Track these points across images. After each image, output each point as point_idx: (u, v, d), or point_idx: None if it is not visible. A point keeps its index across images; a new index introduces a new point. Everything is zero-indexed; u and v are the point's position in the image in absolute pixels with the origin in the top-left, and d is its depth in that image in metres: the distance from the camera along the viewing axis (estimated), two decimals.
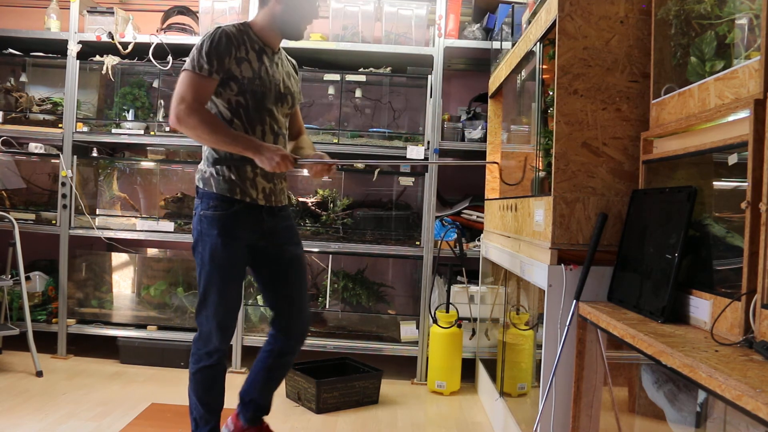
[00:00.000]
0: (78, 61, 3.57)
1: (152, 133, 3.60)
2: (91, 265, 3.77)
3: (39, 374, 3.21)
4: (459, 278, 3.48)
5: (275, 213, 2.21)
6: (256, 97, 2.08)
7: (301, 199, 3.67)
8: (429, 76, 3.47)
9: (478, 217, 3.58)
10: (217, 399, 2.21)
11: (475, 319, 3.41)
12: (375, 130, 3.68)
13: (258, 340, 3.50)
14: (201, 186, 2.12)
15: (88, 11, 3.62)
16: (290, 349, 2.31)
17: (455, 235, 3.39)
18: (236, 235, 2.10)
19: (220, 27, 2.04)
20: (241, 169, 2.09)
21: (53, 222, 3.59)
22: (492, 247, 3.03)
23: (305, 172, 2.56)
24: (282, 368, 2.35)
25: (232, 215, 2.08)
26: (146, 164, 3.94)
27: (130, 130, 3.62)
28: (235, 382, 3.33)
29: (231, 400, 3.10)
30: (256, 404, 2.34)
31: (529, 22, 2.47)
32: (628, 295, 1.83)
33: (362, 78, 3.63)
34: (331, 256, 3.74)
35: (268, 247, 2.21)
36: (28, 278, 3.57)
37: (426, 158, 3.44)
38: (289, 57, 2.33)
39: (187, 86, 1.99)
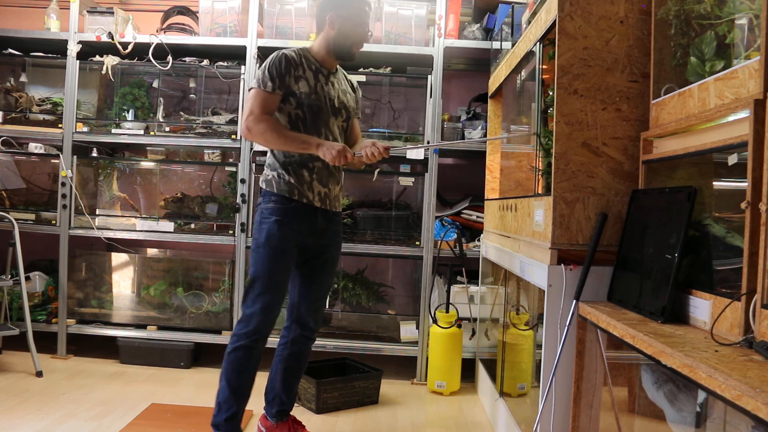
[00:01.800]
0: (78, 61, 3.57)
1: (152, 133, 3.60)
2: (91, 265, 3.77)
3: (39, 374, 3.21)
4: (459, 278, 3.48)
5: (329, 217, 2.43)
6: (312, 111, 2.31)
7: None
8: (429, 76, 3.47)
9: (478, 217, 3.58)
10: (245, 384, 2.31)
11: (475, 319, 3.41)
12: (375, 130, 3.68)
13: None
14: (264, 187, 2.36)
15: (88, 11, 3.62)
16: (304, 339, 2.50)
17: (455, 235, 3.38)
18: (292, 225, 2.31)
19: (281, 51, 2.30)
20: (299, 173, 2.32)
21: (53, 222, 3.59)
22: (492, 247, 3.03)
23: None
24: (298, 357, 2.50)
25: (290, 209, 2.31)
26: (146, 164, 3.94)
27: (130, 130, 3.62)
28: None
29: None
30: (279, 399, 2.50)
31: (529, 22, 2.47)
32: (628, 295, 1.83)
33: (362, 78, 3.62)
34: None
35: (315, 245, 2.41)
36: (28, 278, 3.57)
37: (426, 158, 3.45)
38: (348, 76, 2.57)
39: (254, 101, 2.26)
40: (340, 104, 2.41)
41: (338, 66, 2.47)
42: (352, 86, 2.56)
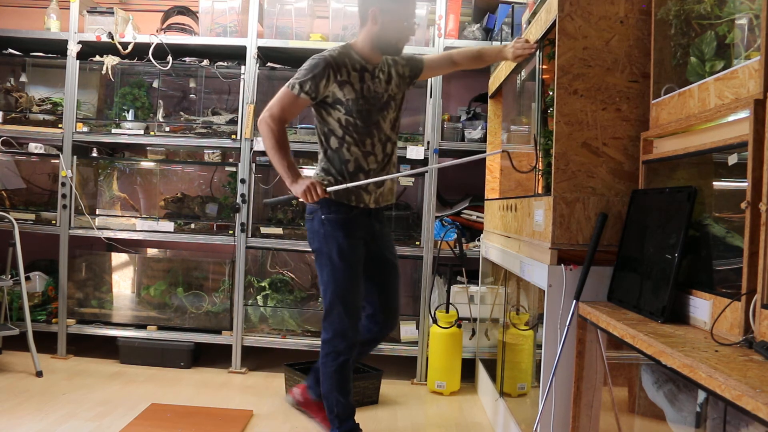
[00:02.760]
0: (78, 61, 3.57)
1: (152, 133, 3.60)
2: (91, 265, 3.77)
3: (39, 374, 3.20)
4: (459, 278, 3.48)
5: (381, 216, 2.48)
6: (362, 116, 2.31)
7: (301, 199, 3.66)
8: None
9: (478, 217, 3.58)
10: (351, 386, 2.44)
11: (475, 319, 3.41)
12: None
13: (258, 340, 3.50)
14: None
15: (88, 11, 3.62)
16: (380, 336, 2.59)
17: (455, 235, 3.38)
18: (357, 235, 2.35)
19: (322, 55, 2.26)
20: (355, 177, 2.33)
21: (53, 222, 3.59)
22: (492, 247, 3.03)
23: None
24: (362, 354, 2.62)
25: (352, 218, 2.34)
26: (146, 164, 3.94)
27: (130, 130, 3.62)
28: (234, 382, 3.34)
29: (227, 401, 3.10)
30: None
31: (529, 22, 2.47)
32: (628, 295, 1.83)
33: None
34: None
35: (374, 248, 2.45)
36: (28, 278, 3.57)
37: (426, 158, 3.44)
38: (388, 58, 2.44)
39: (279, 99, 2.28)
40: (388, 97, 2.39)
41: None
42: (395, 64, 2.45)
